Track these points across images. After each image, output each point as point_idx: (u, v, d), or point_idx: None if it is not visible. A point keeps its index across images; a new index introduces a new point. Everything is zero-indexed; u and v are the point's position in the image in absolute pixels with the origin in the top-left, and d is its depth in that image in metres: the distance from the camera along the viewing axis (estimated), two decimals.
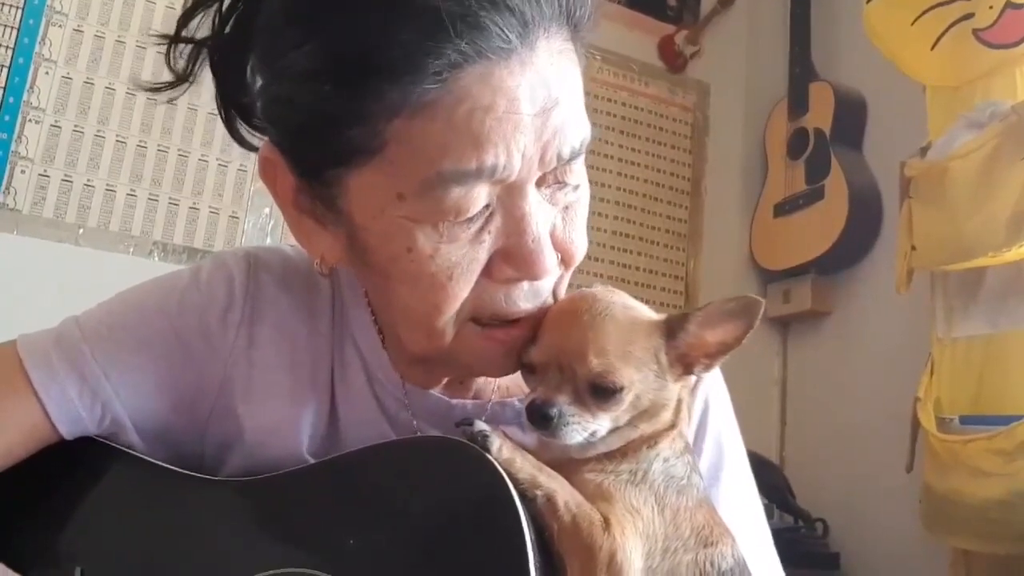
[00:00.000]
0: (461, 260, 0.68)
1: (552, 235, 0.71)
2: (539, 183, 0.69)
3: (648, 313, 0.75)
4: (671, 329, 0.72)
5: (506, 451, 0.67)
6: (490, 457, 0.66)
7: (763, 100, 3.09)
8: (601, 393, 0.69)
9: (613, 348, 0.70)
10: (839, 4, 2.92)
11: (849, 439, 2.62)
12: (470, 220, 0.67)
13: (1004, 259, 2.12)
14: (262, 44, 0.73)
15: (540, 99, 0.66)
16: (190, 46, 0.81)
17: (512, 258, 0.69)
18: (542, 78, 0.66)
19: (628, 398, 0.70)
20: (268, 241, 2.41)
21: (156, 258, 2.27)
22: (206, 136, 2.37)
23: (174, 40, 0.81)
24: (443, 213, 0.66)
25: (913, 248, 2.31)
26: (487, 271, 0.69)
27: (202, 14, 0.81)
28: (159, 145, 2.32)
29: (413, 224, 0.67)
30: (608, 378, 0.69)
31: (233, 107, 0.82)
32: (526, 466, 0.67)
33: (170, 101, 0.85)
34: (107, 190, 2.25)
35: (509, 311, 0.71)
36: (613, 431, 0.71)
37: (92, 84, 2.26)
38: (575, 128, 0.69)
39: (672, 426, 0.73)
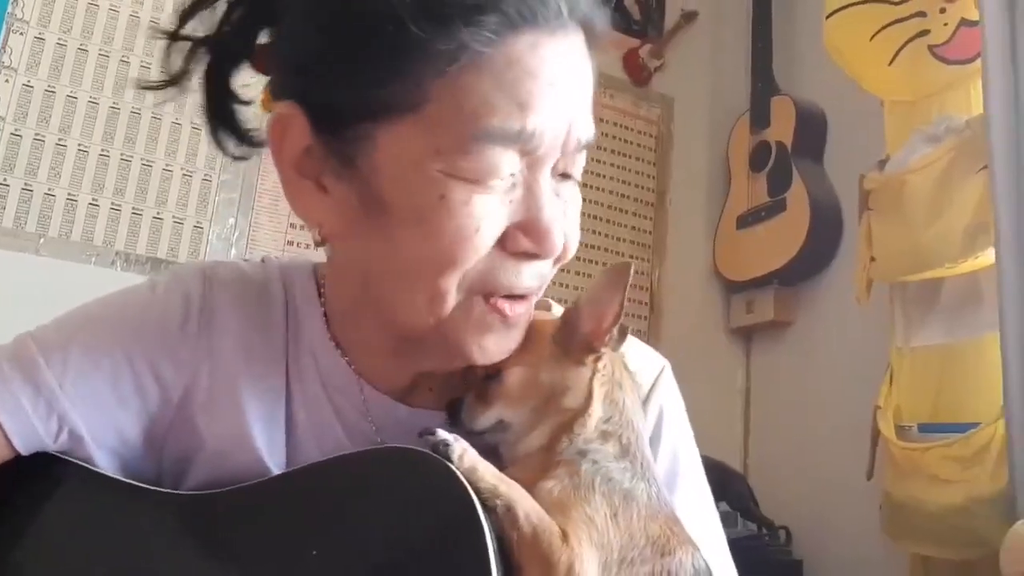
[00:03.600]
0: (490, 214, 0.68)
1: None
2: (551, 170, 0.72)
3: (552, 314, 0.81)
4: (566, 319, 0.77)
5: (467, 460, 0.67)
6: (452, 466, 0.66)
7: (726, 113, 3.13)
8: (489, 379, 0.75)
9: None
10: (800, 19, 2.98)
11: (811, 447, 2.65)
12: (500, 179, 0.68)
13: (960, 270, 2.16)
14: (298, 6, 0.73)
15: (572, 81, 0.70)
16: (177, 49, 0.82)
17: (529, 231, 0.70)
18: (575, 63, 0.70)
19: (515, 377, 0.75)
20: (232, 251, 2.39)
21: (119, 268, 2.25)
22: (171, 146, 2.35)
23: (173, 38, 0.81)
24: (476, 171, 0.67)
25: (872, 259, 2.35)
26: (501, 243, 0.70)
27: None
28: (122, 154, 2.29)
29: (448, 178, 0.67)
30: (492, 366, 0.75)
31: (221, 113, 0.82)
32: (487, 476, 0.67)
33: (159, 103, 0.84)
34: (68, 199, 2.22)
35: (517, 285, 0.72)
36: (530, 429, 0.74)
37: (53, 92, 2.23)
38: (588, 120, 0.72)
39: (583, 411, 0.74)
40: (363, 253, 0.76)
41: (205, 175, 2.37)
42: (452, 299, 0.71)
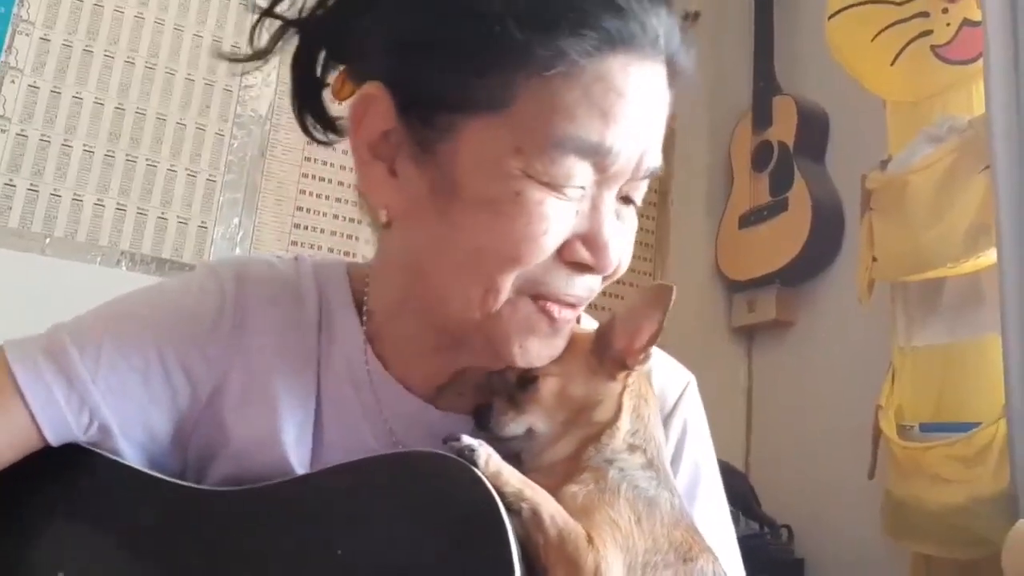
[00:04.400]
0: (559, 219, 0.69)
1: None
2: (617, 192, 0.73)
3: (588, 328, 0.81)
4: (601, 333, 0.78)
5: (492, 465, 0.68)
6: (477, 471, 0.67)
7: (728, 113, 3.13)
8: (523, 385, 0.75)
9: None
10: (802, 20, 2.98)
11: (813, 446, 2.65)
12: (572, 188, 0.70)
13: (962, 270, 2.17)
14: None
15: (654, 108, 0.72)
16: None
17: (589, 242, 0.71)
18: (659, 91, 0.72)
19: (549, 387, 0.75)
20: (237, 251, 2.40)
21: (124, 268, 2.26)
22: (175, 146, 2.36)
23: (266, 14, 0.83)
24: (552, 175, 0.68)
25: (874, 259, 2.35)
26: (559, 251, 0.71)
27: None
28: (127, 155, 2.30)
29: (525, 177, 0.69)
30: (526, 374, 0.76)
31: (307, 97, 0.84)
32: (512, 480, 0.68)
33: (242, 74, 0.86)
34: (74, 200, 2.23)
35: (567, 292, 0.73)
36: (557, 439, 0.75)
37: (59, 93, 2.24)
38: (658, 151, 0.74)
39: (611, 424, 0.75)
40: (423, 241, 0.76)
41: (209, 175, 2.38)
42: (504, 296, 0.72)
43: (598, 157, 0.69)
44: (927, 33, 2.34)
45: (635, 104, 0.69)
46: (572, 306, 0.75)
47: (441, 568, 0.66)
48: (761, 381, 2.99)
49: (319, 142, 0.87)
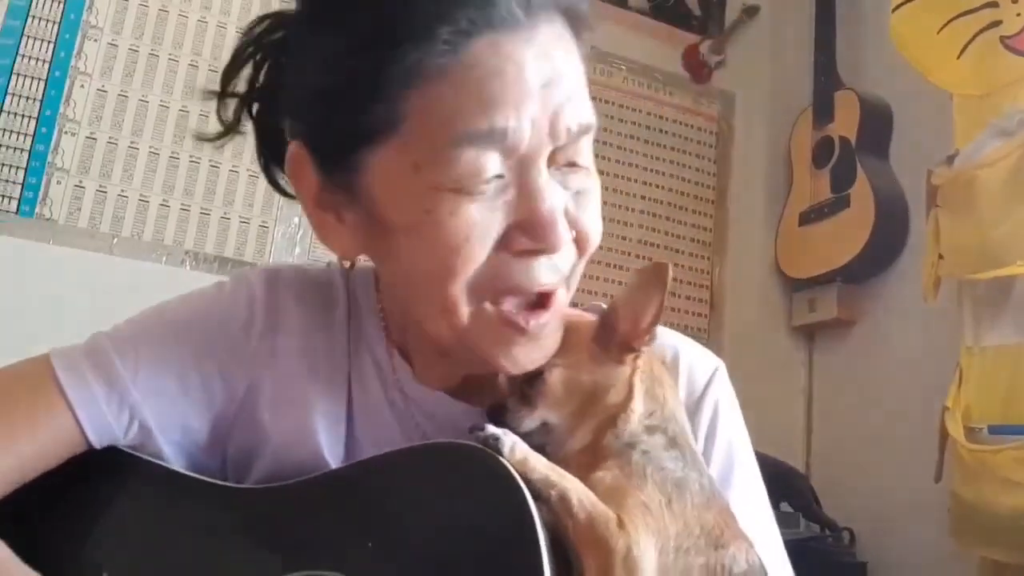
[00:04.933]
0: (479, 221, 0.69)
1: (565, 214, 0.72)
2: (550, 162, 0.71)
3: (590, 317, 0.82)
4: (603, 319, 0.77)
5: (518, 452, 0.69)
6: (503, 460, 0.68)
7: (788, 109, 3.09)
8: (530, 382, 0.76)
9: None
10: (864, 12, 2.92)
11: (876, 448, 2.60)
12: (485, 183, 0.69)
13: None
14: (294, 53, 0.77)
15: (545, 72, 0.69)
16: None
17: (528, 228, 0.70)
18: (546, 53, 0.70)
19: (556, 378, 0.75)
20: (297, 250, 2.45)
21: (188, 267, 2.31)
22: (236, 148, 2.37)
23: (221, 96, 0.86)
24: (457, 178, 0.68)
25: (940, 256, 2.30)
26: (505, 244, 0.70)
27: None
28: (191, 156, 2.36)
29: (432, 190, 0.68)
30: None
31: (272, 157, 0.86)
32: (539, 466, 0.68)
33: (219, 147, 0.88)
34: (140, 200, 2.29)
35: (532, 282, 0.72)
36: (574, 430, 0.75)
37: (126, 97, 2.31)
38: (581, 106, 0.72)
39: (624, 408, 0.75)
40: (382, 274, 0.81)
41: None
42: (463, 308, 0.71)
43: (496, 142, 0.67)
44: (996, 24, 2.27)
45: (517, 78, 0.68)
46: (544, 307, 0.73)
47: (469, 557, 0.67)
48: (822, 381, 2.94)
49: (287, 195, 0.87)
